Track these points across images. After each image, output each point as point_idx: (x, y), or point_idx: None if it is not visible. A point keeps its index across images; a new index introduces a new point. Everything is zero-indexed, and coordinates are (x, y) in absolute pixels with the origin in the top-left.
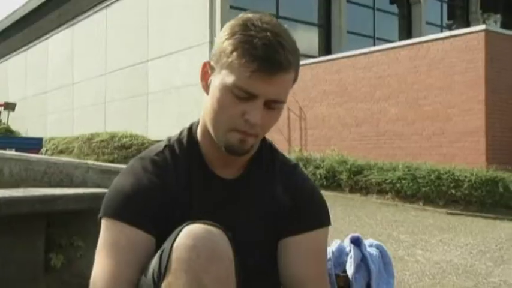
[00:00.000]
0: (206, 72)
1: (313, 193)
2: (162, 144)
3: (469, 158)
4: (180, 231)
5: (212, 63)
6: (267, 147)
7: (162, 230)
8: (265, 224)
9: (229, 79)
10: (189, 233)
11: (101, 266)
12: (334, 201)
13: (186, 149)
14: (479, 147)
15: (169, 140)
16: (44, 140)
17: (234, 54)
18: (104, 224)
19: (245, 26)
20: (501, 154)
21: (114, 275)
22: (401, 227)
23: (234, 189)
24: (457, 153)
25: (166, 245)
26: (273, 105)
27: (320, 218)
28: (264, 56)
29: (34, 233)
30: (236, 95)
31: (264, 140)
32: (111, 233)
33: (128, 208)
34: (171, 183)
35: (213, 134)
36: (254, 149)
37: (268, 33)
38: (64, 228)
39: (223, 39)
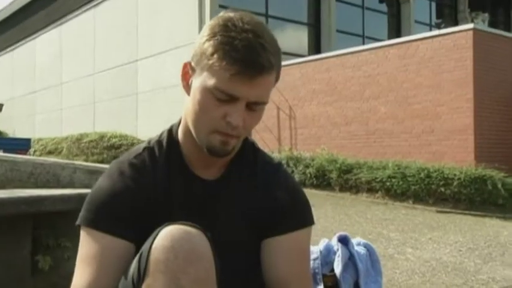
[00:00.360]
0: (187, 72)
1: (296, 192)
2: (142, 146)
3: (458, 156)
4: (158, 233)
5: (193, 63)
6: (249, 147)
7: (143, 234)
8: (247, 225)
9: (210, 81)
10: (166, 235)
11: (78, 275)
12: (324, 200)
13: (165, 151)
14: (468, 146)
15: (149, 142)
16: (32, 140)
17: (215, 56)
18: (82, 233)
19: (226, 26)
20: (489, 152)
21: (91, 283)
22: (391, 225)
23: (214, 190)
24: (446, 151)
25: (144, 247)
26: (254, 106)
27: (303, 218)
28: (245, 58)
29: (20, 235)
30: (217, 97)
31: (246, 139)
32: (88, 243)
33: (103, 216)
34: (149, 186)
35: (194, 135)
36: (236, 150)
37: (250, 34)
38: (51, 229)
39: (203, 39)
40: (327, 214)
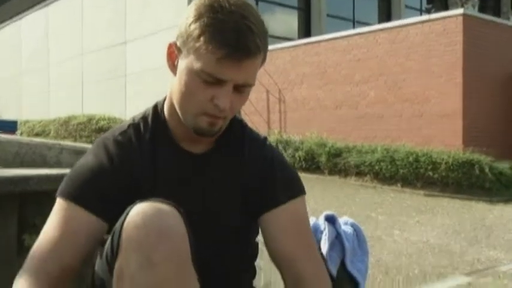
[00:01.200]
0: (172, 52)
1: (283, 165)
2: (126, 123)
3: (446, 140)
4: (130, 210)
5: (178, 44)
6: (236, 123)
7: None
8: (235, 198)
9: (197, 64)
10: (138, 212)
11: (44, 238)
12: (313, 184)
13: (151, 126)
14: (457, 130)
15: (133, 119)
16: (18, 122)
17: (201, 39)
18: (58, 203)
19: (212, 7)
20: (477, 136)
21: (56, 248)
22: (379, 208)
23: (202, 164)
24: (435, 135)
25: (117, 225)
26: (241, 88)
27: (294, 188)
28: (232, 42)
29: (6, 214)
30: (204, 80)
31: (234, 116)
32: (62, 213)
33: (84, 192)
34: (135, 163)
35: (181, 116)
36: (223, 129)
37: (236, 16)
38: (38, 208)
39: (189, 21)
40: (316, 197)
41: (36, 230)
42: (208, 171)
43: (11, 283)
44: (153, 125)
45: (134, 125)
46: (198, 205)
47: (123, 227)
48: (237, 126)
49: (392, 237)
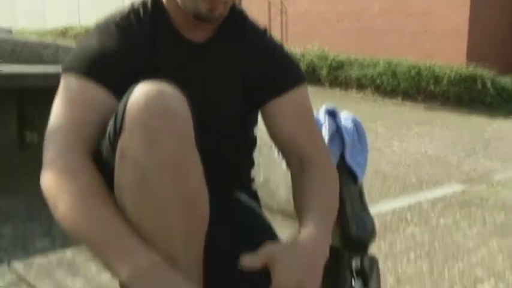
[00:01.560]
0: None
1: (284, 55)
2: (126, 8)
3: (450, 55)
4: (132, 91)
5: None
6: (237, 13)
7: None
8: (235, 87)
9: None
10: (140, 93)
11: (60, 116)
12: (314, 96)
13: (151, 13)
14: (461, 46)
15: (133, 4)
16: (13, 32)
17: None
18: (66, 79)
19: None
20: (482, 52)
21: (73, 126)
22: (379, 120)
23: (202, 51)
24: (438, 50)
25: (119, 106)
26: None
27: (295, 77)
28: None
29: (6, 111)
30: None
31: (234, 6)
32: (74, 88)
33: (93, 66)
34: (136, 47)
35: (179, 2)
36: (223, 16)
37: None
38: (36, 107)
39: None
40: (316, 108)
41: (36, 127)
42: (207, 58)
43: (14, 176)
44: (153, 10)
45: (134, 11)
46: (197, 93)
47: (126, 108)
48: (238, 16)
49: (391, 148)
